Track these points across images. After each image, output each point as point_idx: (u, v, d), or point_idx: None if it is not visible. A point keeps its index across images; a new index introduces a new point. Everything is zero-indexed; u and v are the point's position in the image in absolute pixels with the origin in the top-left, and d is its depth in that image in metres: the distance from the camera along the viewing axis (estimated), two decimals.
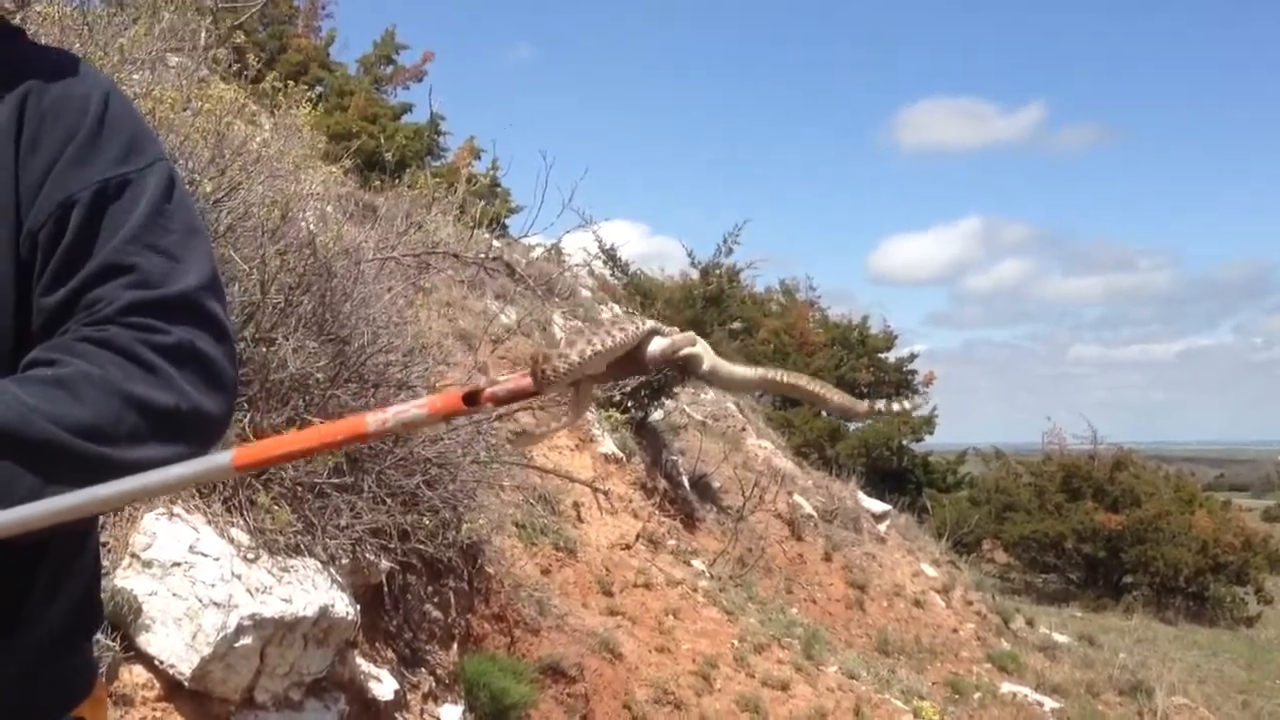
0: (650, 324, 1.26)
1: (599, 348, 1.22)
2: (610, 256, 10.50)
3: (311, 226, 5.26)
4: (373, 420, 1.21)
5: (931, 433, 27.53)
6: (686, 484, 10.44)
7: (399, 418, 1.20)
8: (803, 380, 1.29)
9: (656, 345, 1.24)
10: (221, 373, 1.42)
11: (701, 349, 1.25)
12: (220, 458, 1.23)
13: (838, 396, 1.30)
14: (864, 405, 1.37)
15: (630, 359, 1.24)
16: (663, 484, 9.66)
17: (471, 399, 1.20)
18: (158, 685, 3.54)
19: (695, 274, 11.28)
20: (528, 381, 1.23)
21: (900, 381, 27.72)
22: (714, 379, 1.27)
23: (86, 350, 1.32)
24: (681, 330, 1.27)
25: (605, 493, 8.04)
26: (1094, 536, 25.38)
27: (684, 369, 1.26)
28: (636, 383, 7.27)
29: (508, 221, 14.49)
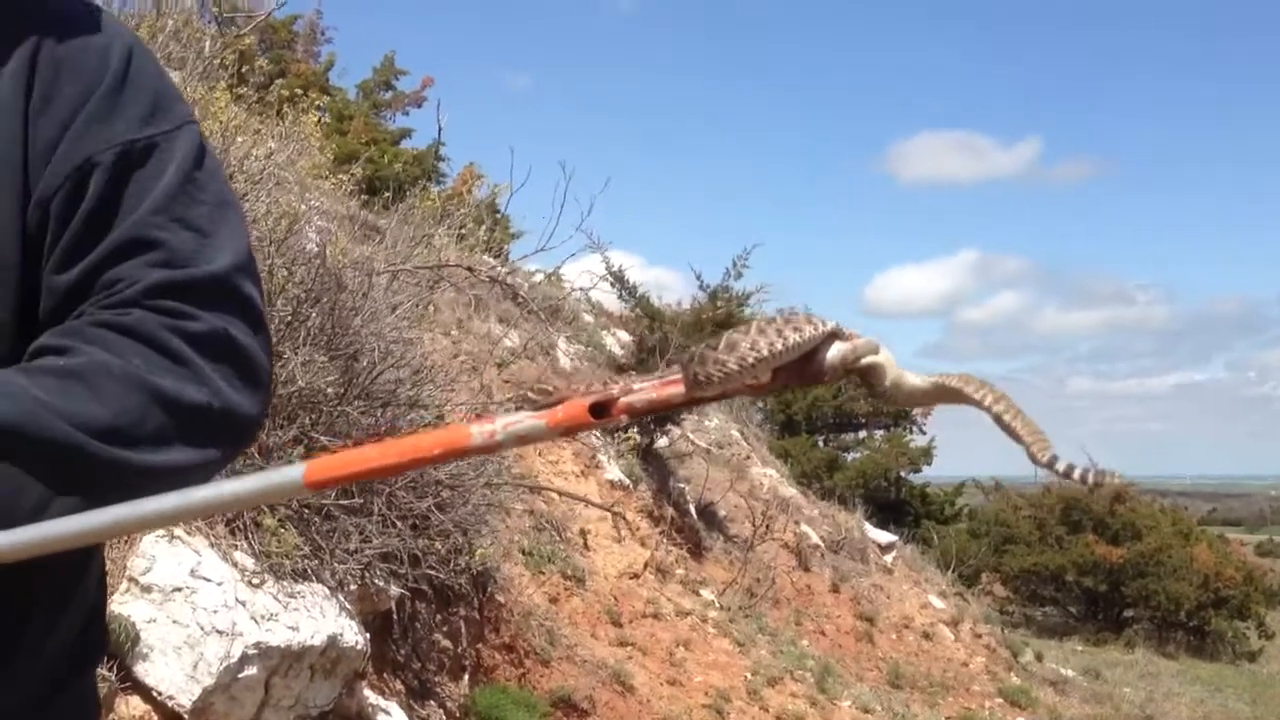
0: (831, 323, 1.03)
1: (767, 352, 1.01)
2: (618, 279, 10.33)
3: (317, 241, 5.08)
4: (478, 432, 1.02)
5: (930, 464, 27.36)
6: (693, 512, 10.23)
7: (510, 430, 1.02)
8: (983, 392, 1.02)
9: (836, 351, 1.02)
10: (257, 366, 1.23)
11: (885, 358, 1.03)
12: (290, 472, 1.04)
13: (1024, 427, 0.99)
14: (1048, 454, 0.99)
15: (802, 366, 1.02)
16: (670, 512, 9.45)
17: (601, 410, 1.01)
18: (156, 718, 3.32)
19: (704, 297, 11.08)
20: (676, 390, 1.03)
21: (898, 412, 27.52)
22: (894, 394, 1.04)
23: (105, 337, 1.14)
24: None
25: (624, 516, 7.83)
26: (1095, 569, 25.15)
27: (863, 380, 1.04)
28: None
29: (509, 247, 14.34)
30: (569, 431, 1.03)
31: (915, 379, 1.04)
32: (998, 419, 0.99)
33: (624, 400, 1.02)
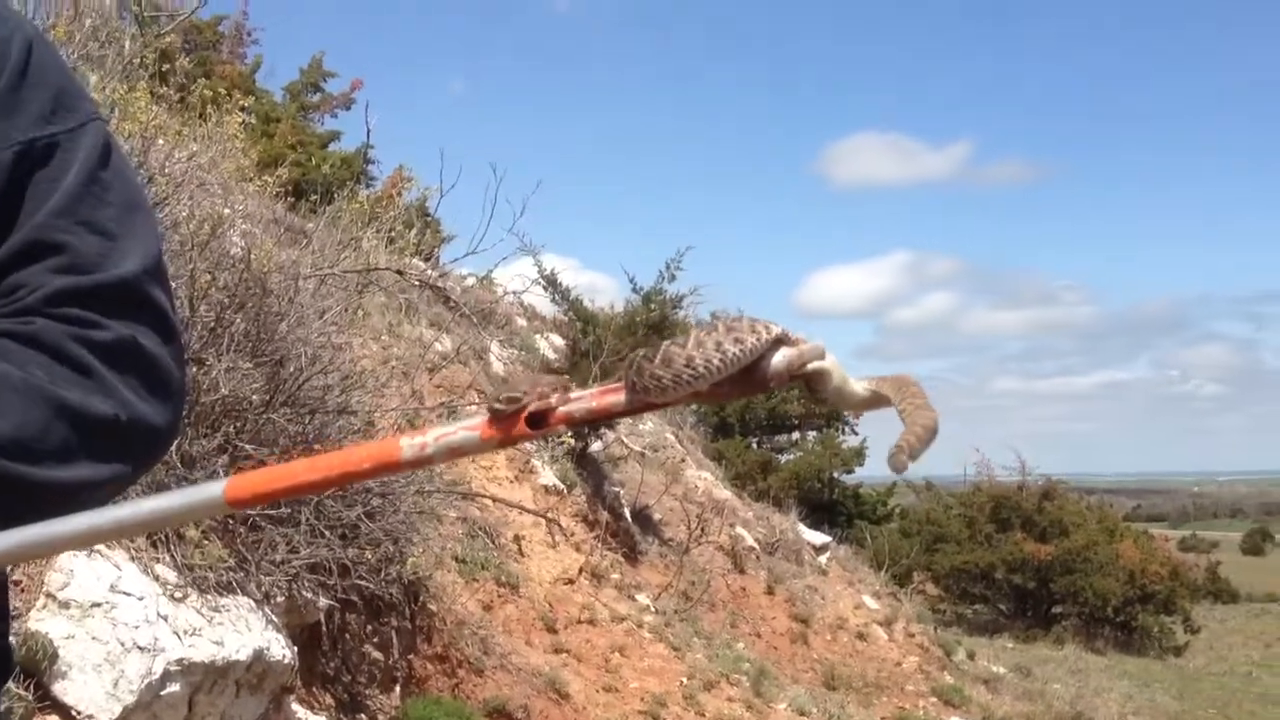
0: (777, 329, 0.98)
1: (715, 363, 0.96)
2: (551, 282, 10.26)
3: (242, 245, 4.96)
4: (409, 445, 0.99)
5: (862, 465, 27.49)
6: (628, 516, 10.18)
7: (442, 443, 0.98)
8: (905, 403, 0.98)
9: (781, 357, 0.97)
10: (168, 376, 1.16)
11: (830, 363, 0.99)
12: (209, 490, 1.00)
13: (913, 432, 0.96)
14: (902, 459, 0.98)
15: (746, 374, 0.98)
16: (604, 516, 9.39)
17: (538, 420, 0.97)
18: None
19: (637, 300, 11.05)
20: (615, 399, 0.99)
21: (831, 413, 27.67)
22: (837, 400, 1.01)
23: (5, 347, 1.07)
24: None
25: (558, 522, 7.75)
26: (1024, 567, 25.51)
27: (807, 386, 0.99)
28: None
29: (439, 251, 14.19)
30: (504, 443, 1.00)
31: (857, 386, 1.02)
32: (901, 414, 0.98)
33: (562, 410, 0.98)
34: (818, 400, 1.00)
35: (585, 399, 0.99)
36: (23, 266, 1.12)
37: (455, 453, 0.99)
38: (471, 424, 0.98)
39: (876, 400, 1.02)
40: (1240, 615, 37.73)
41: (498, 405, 0.99)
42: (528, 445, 8.92)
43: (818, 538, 14.27)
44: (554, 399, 0.98)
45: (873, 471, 29.97)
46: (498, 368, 10.13)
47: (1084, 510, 27.91)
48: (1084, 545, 25.30)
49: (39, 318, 1.10)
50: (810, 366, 0.98)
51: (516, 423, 0.97)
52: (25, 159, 1.14)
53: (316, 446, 4.42)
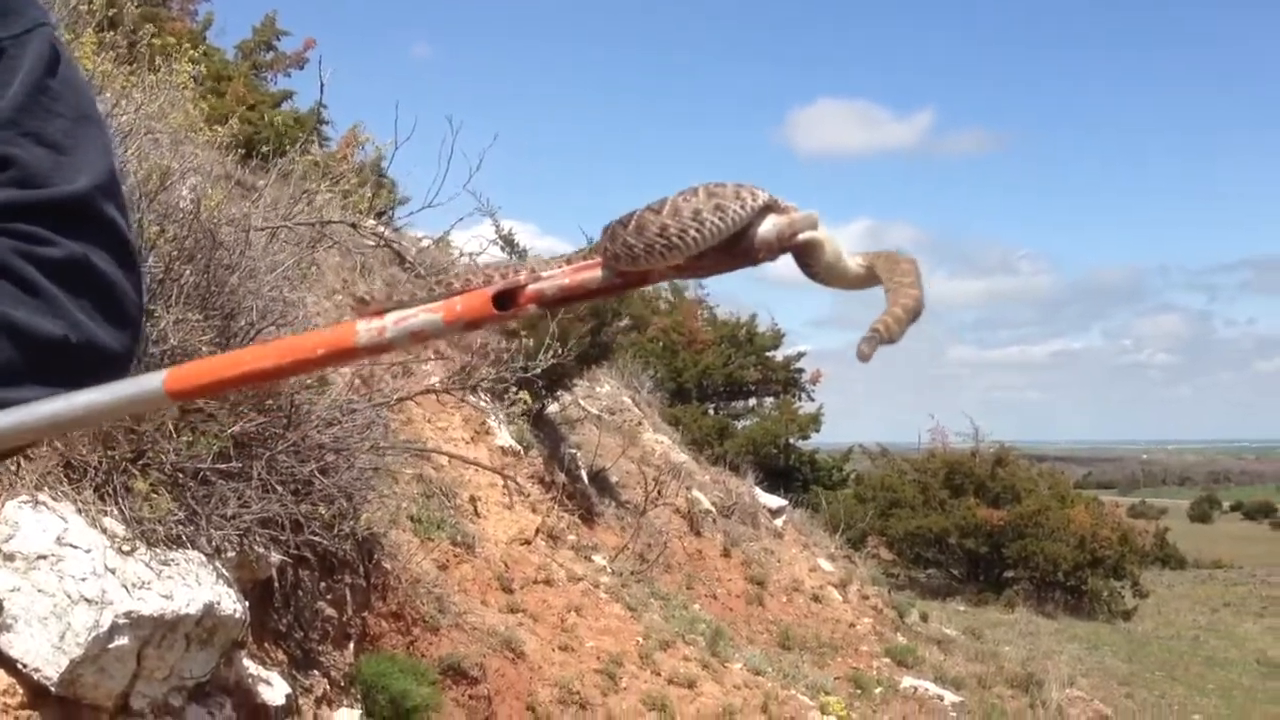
0: (764, 195, 0.87)
1: (692, 234, 0.86)
2: (508, 242, 10.18)
3: (191, 198, 4.86)
4: (365, 329, 0.90)
5: (819, 431, 27.63)
6: (585, 478, 10.16)
7: (403, 326, 0.89)
8: (896, 280, 0.88)
9: (770, 226, 0.87)
10: (123, 299, 1.11)
11: (824, 234, 0.88)
12: (148, 381, 0.93)
13: (895, 311, 0.87)
14: (873, 342, 0.88)
15: (731, 244, 0.87)
16: (561, 478, 9.37)
17: (505, 300, 0.88)
18: (20, 691, 3.17)
19: None
20: (592, 275, 0.89)
21: (788, 380, 27.78)
22: (829, 276, 0.90)
23: None
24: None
25: (515, 480, 7.71)
26: (976, 532, 25.76)
27: (798, 259, 0.88)
28: (536, 371, 6.81)
29: (394, 211, 14.05)
30: (470, 325, 0.90)
31: (851, 262, 0.92)
32: (886, 293, 0.89)
33: (532, 288, 0.88)
34: (810, 275, 0.90)
35: (558, 275, 0.90)
36: None
37: (417, 338, 0.91)
38: (434, 306, 0.90)
39: (870, 278, 0.92)
40: (1187, 581, 38.37)
41: (353, 306, 0.92)
42: (484, 406, 8.87)
43: (774, 501, 14.33)
44: (522, 276, 0.90)
45: (828, 438, 30.15)
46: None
47: (1036, 477, 28.20)
48: (1035, 511, 25.58)
49: None
50: (802, 237, 0.88)
51: (484, 303, 0.88)
52: None
53: (269, 401, 4.36)
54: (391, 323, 0.90)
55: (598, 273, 0.89)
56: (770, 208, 0.88)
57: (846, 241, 0.91)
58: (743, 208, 0.87)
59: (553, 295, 0.89)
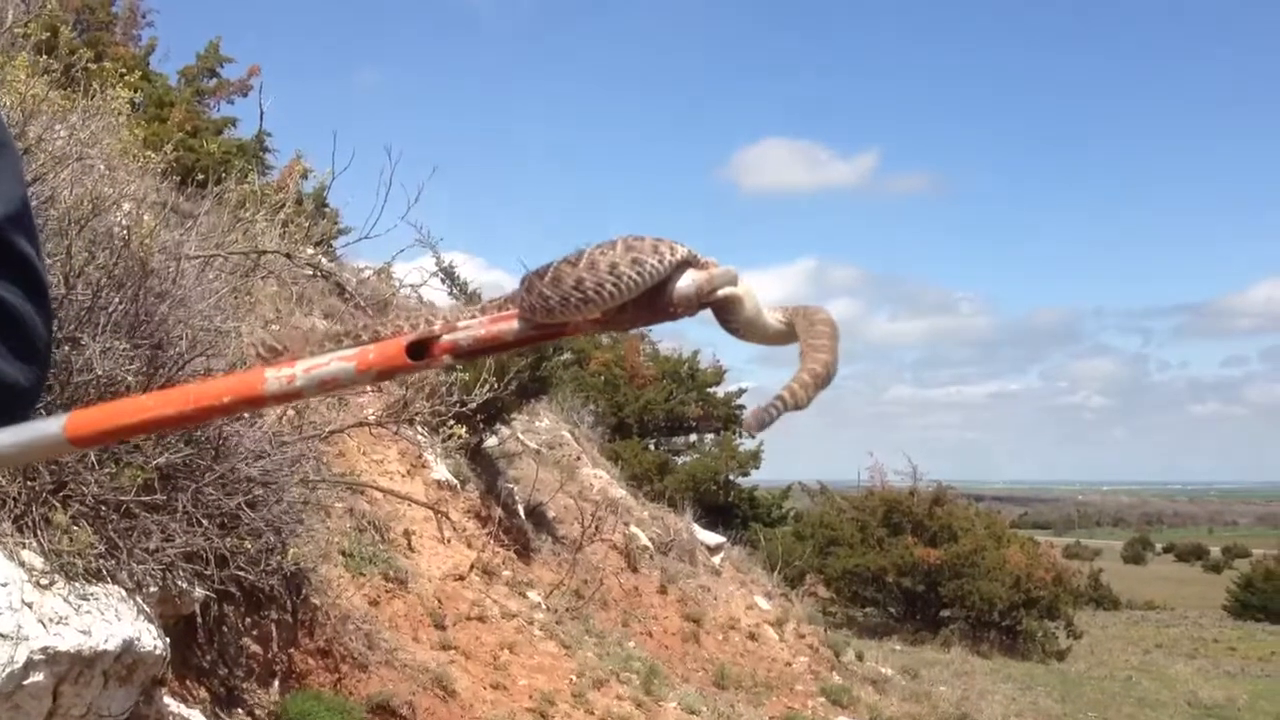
0: (683, 249, 0.87)
1: (609, 288, 0.85)
2: (449, 274, 10.13)
3: (124, 226, 4.79)
4: (275, 377, 0.88)
5: (758, 467, 27.69)
6: (522, 513, 10.09)
7: (313, 374, 0.88)
8: (814, 332, 0.87)
9: (689, 281, 0.86)
10: (31, 334, 1.07)
11: (744, 289, 0.88)
12: (46, 426, 0.90)
13: (807, 375, 0.87)
14: (774, 409, 0.88)
15: (651, 299, 0.86)
16: (498, 513, 9.30)
17: (419, 350, 0.87)
18: None
19: None
20: (508, 327, 0.88)
21: (729, 416, 27.83)
22: (749, 332, 0.90)
23: None
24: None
25: (448, 515, 7.63)
26: (913, 570, 25.88)
27: (718, 315, 0.88)
28: (473, 405, 6.79)
29: (335, 243, 13.94)
30: (382, 375, 0.89)
31: (770, 317, 0.92)
32: (801, 355, 0.88)
33: (447, 339, 0.88)
34: (730, 330, 0.90)
35: (474, 326, 0.89)
36: None
37: (327, 385, 0.89)
38: (347, 354, 0.88)
39: (790, 334, 0.92)
40: (1121, 621, 38.80)
41: (260, 354, 0.91)
42: (420, 439, 8.79)
43: (712, 538, 14.31)
44: (437, 326, 0.89)
45: (768, 475, 30.23)
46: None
47: (973, 516, 28.40)
48: (972, 550, 25.75)
49: None
50: (721, 293, 0.88)
51: (398, 352, 0.87)
52: None
53: (197, 432, 4.29)
54: (301, 370, 0.89)
55: (514, 324, 0.89)
56: (689, 262, 0.87)
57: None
58: (660, 262, 0.86)
59: (468, 346, 0.88)
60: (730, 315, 0.89)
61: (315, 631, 5.48)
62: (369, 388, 7.57)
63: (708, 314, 0.90)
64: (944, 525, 26.60)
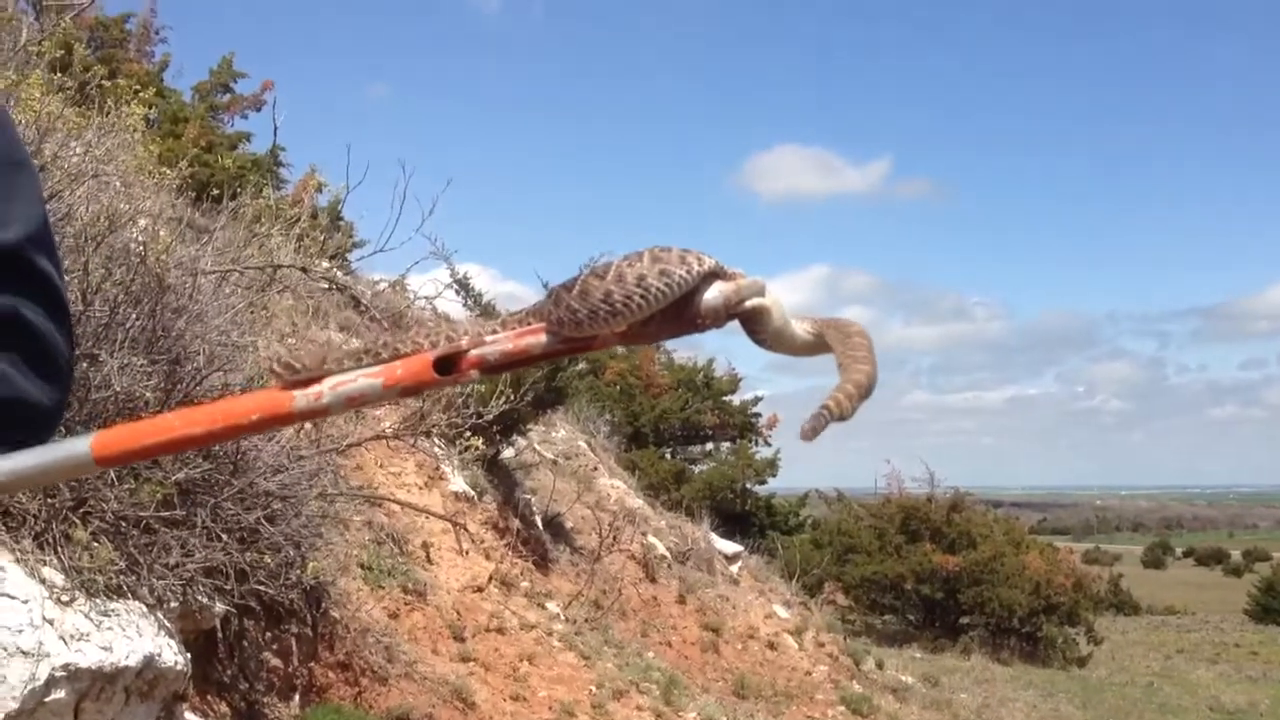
0: (710, 261, 0.86)
1: (637, 299, 0.85)
2: (463, 286, 10.14)
3: (140, 240, 4.80)
4: (301, 395, 0.89)
5: (775, 475, 27.62)
6: (539, 524, 10.09)
7: (340, 391, 0.88)
8: (849, 354, 0.86)
9: (716, 293, 0.85)
10: (54, 352, 1.07)
11: (772, 301, 0.87)
12: (74, 446, 0.89)
13: (848, 386, 0.86)
14: (822, 419, 0.88)
15: (678, 311, 0.86)
16: (515, 524, 9.29)
17: (446, 366, 0.87)
18: None
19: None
20: (535, 340, 0.88)
21: (745, 424, 27.79)
22: (776, 343, 0.89)
23: None
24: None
25: (465, 528, 7.63)
26: (932, 577, 25.78)
27: (745, 326, 0.87)
28: (489, 416, 6.80)
29: (350, 256, 13.98)
30: (409, 391, 0.89)
31: (799, 329, 0.91)
32: (839, 366, 0.87)
33: (474, 353, 0.88)
34: (757, 341, 0.89)
35: (501, 340, 0.89)
36: None
37: (354, 402, 0.89)
38: (373, 370, 0.89)
39: (819, 345, 0.92)
40: (1141, 627, 38.61)
41: (276, 370, 0.90)
42: (437, 451, 8.80)
43: (730, 547, 14.28)
44: (464, 341, 0.88)
45: (785, 482, 30.16)
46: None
47: (991, 522, 28.30)
48: (991, 557, 25.65)
49: None
50: (749, 304, 0.87)
51: (425, 367, 0.87)
52: None
53: (215, 447, 4.30)
54: (329, 387, 0.89)
55: (542, 338, 0.88)
56: (716, 274, 0.87)
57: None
58: (688, 274, 0.86)
59: (495, 361, 0.88)
60: (758, 327, 0.88)
61: (335, 645, 5.48)
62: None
63: (731, 324, 0.89)
64: (962, 532, 26.50)
